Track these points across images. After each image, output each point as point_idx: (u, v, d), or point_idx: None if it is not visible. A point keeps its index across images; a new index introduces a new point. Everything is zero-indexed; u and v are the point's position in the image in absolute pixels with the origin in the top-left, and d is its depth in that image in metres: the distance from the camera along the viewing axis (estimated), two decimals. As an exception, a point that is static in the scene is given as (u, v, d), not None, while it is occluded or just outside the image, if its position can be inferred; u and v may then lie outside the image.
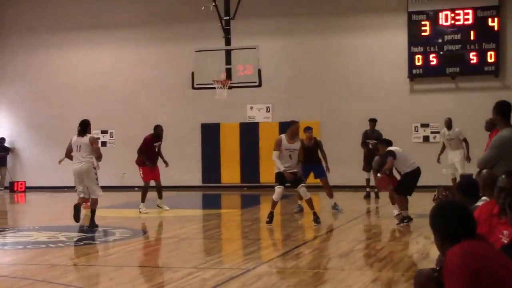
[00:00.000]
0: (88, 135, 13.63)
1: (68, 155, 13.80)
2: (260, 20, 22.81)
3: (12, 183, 23.89)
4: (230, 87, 18.79)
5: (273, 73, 21.82)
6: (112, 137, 23.91)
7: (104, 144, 23.25)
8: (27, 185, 23.82)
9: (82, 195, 13.53)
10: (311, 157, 15.09)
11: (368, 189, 18.52)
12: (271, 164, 22.04)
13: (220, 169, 22.94)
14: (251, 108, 22.95)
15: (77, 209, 13.27)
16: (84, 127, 13.65)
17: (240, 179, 22.52)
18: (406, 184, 13.16)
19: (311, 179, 15.52)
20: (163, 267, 9.62)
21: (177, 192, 21.66)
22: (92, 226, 13.37)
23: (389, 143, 13.52)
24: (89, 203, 14.07)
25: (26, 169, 24.76)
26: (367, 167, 17.86)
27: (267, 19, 22.88)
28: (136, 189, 20.33)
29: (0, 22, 25.11)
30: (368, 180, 18.37)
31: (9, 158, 24.74)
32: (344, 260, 9.69)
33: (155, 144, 16.52)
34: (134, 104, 23.76)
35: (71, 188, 20.31)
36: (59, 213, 17.08)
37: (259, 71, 18.42)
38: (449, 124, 18.25)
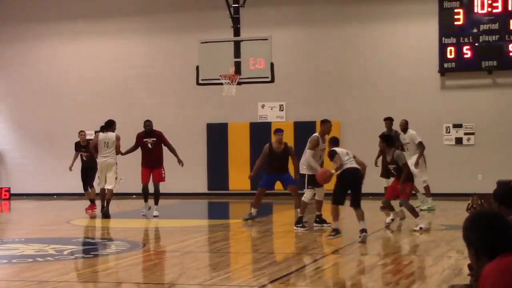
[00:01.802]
0: (114, 133, 17.25)
1: (93, 150, 17.44)
2: (272, 8, 22.81)
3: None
4: (239, 83, 18.78)
5: (287, 68, 21.81)
6: (108, 138, 23.93)
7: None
8: (12, 191, 23.86)
9: (103, 186, 17.16)
10: (280, 164, 15.23)
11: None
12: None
13: (228, 175, 22.94)
14: (263, 106, 22.95)
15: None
16: (109, 125, 17.37)
17: (250, 185, 22.49)
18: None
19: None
20: (165, 284, 9.61)
21: (180, 200, 21.68)
22: (106, 215, 16.75)
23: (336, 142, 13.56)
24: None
25: (10, 174, 24.82)
26: (384, 173, 17.50)
27: (280, 7, 22.88)
28: (134, 196, 20.38)
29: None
30: (386, 189, 18.13)
31: (-8, 161, 24.84)
32: (367, 276, 9.66)
33: (145, 140, 17.15)
34: (133, 101, 23.80)
35: (61, 196, 20.47)
36: (48, 224, 17.11)
37: (272, 65, 18.39)
38: (404, 127, 17.91)
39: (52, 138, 24.15)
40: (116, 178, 17.27)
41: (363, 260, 10.99)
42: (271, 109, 22.90)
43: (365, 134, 21.94)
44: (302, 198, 14.39)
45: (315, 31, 22.68)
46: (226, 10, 18.98)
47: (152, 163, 17.18)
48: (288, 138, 22.24)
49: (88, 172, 18.93)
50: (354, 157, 13.17)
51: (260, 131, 22.62)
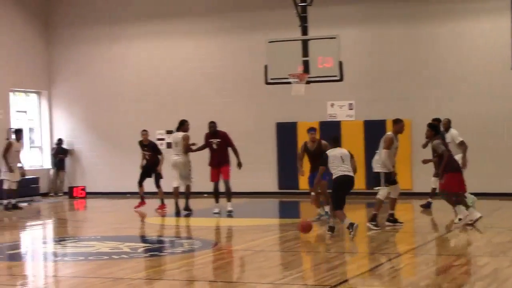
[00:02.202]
0: (183, 133, 17.77)
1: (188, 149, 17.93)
2: (341, 6, 22.66)
3: (71, 188, 24.40)
4: (308, 82, 18.73)
5: (355, 66, 21.64)
6: (178, 137, 24.12)
7: (170, 145, 23.51)
8: (87, 190, 24.23)
9: (176, 185, 17.75)
10: (315, 162, 15.24)
11: (429, 199, 17.99)
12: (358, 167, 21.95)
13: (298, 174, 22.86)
14: (332, 105, 22.83)
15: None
16: (181, 125, 17.94)
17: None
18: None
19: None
20: (237, 282, 9.63)
21: (250, 199, 21.72)
22: (187, 209, 17.71)
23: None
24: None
25: (85, 173, 25.21)
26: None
27: (348, 5, 22.70)
28: (206, 195, 20.49)
29: (52, 16, 25.67)
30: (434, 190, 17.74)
31: (67, 161, 25.24)
32: (441, 277, 9.52)
33: (210, 141, 17.60)
34: (201, 101, 23.91)
35: (134, 194, 20.72)
36: (122, 222, 17.36)
37: (340, 63, 18.28)
38: (447, 126, 17.44)
39: (123, 138, 24.40)
40: (191, 176, 17.87)
41: (437, 261, 10.83)
42: (341, 107, 22.76)
43: (436, 132, 21.61)
44: (377, 196, 14.40)
45: (384, 29, 22.44)
46: (293, 9, 18.94)
47: (218, 162, 17.54)
48: (358, 136, 22.14)
49: (150, 171, 19.13)
50: (352, 157, 13.41)
51: (329, 130, 22.42)
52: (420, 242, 13.05)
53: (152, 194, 19.66)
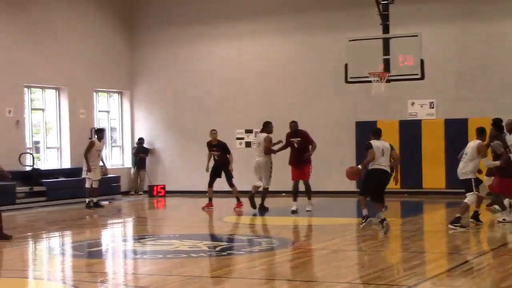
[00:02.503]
0: (265, 134, 17.91)
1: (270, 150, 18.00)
2: (423, 4, 22.36)
3: (151, 187, 24.73)
4: (388, 81, 18.58)
5: (437, 64, 21.35)
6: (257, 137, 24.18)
7: (248, 144, 23.64)
8: (166, 189, 24.52)
9: (258, 184, 17.89)
10: None
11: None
12: (436, 167, 21.65)
13: (377, 173, 22.64)
14: (413, 104, 22.54)
15: (251, 197, 17.83)
16: (264, 126, 18.14)
17: (400, 183, 22.14)
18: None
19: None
20: (315, 281, 9.59)
21: (329, 199, 21.64)
22: (262, 208, 17.90)
23: None
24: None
25: (165, 172, 25.51)
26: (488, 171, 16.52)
27: (431, 2, 22.39)
28: (284, 194, 20.51)
29: (134, 19, 26.09)
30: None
31: (148, 160, 25.59)
32: (523, 278, 9.30)
33: (292, 140, 17.66)
34: (279, 100, 23.92)
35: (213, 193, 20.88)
36: (201, 221, 17.51)
37: (422, 61, 18.08)
38: (510, 127, 16.46)
39: (203, 137, 24.43)
40: (270, 176, 17.89)
41: (519, 262, 10.58)
42: (421, 106, 22.45)
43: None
44: (466, 201, 14.13)
45: (466, 26, 22.03)
46: (375, 7, 18.80)
47: (299, 161, 17.57)
48: (439, 135, 21.81)
49: (219, 171, 19.01)
50: (392, 149, 13.69)
51: (409, 129, 22.22)
52: (500, 242, 12.76)
53: (226, 193, 19.76)
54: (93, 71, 24.54)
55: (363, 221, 13.79)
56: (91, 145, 20.02)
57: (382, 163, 13.42)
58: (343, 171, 22.68)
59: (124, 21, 25.96)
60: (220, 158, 18.93)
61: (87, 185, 20.09)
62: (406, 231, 14.70)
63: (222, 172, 18.91)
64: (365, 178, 13.76)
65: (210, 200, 19.21)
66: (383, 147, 13.45)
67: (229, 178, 18.92)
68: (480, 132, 14.53)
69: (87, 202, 20.11)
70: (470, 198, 14.15)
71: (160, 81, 25.71)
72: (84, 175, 20.20)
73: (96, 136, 20.60)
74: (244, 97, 24.47)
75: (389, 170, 13.60)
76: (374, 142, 13.51)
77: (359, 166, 13.82)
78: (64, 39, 23.61)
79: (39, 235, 15.45)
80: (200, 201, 20.35)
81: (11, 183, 19.81)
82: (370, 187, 13.58)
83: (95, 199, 20.15)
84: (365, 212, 13.77)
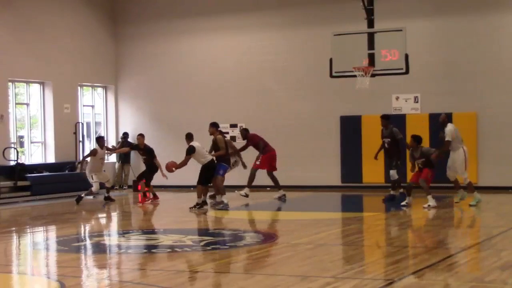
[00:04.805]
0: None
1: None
2: (407, -1, 22.41)
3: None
4: (373, 75, 18.60)
5: (421, 59, 21.39)
6: (242, 131, 24.20)
7: (233, 139, 23.61)
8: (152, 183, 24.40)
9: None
10: None
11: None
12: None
13: (362, 167, 22.71)
14: (397, 98, 22.59)
15: None
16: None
17: (384, 178, 22.20)
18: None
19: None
20: (299, 276, 9.59)
21: (313, 193, 21.65)
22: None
23: None
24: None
25: (150, 166, 25.40)
26: None
27: (415, -3, 22.44)
28: (268, 188, 20.51)
29: (119, 12, 25.99)
30: None
31: (132, 154, 25.52)
32: (507, 272, 9.33)
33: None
34: (265, 94, 23.93)
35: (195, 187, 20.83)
36: (184, 215, 17.48)
37: (406, 56, 18.11)
38: (443, 121, 17.17)
39: (185, 132, 24.51)
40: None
41: (502, 256, 10.62)
42: (406, 101, 22.50)
43: (504, 126, 21.23)
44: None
45: (450, 21, 22.09)
46: (360, 2, 18.80)
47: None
48: (423, 130, 21.83)
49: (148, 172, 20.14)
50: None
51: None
52: (485, 237, 12.81)
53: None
54: (77, 65, 24.45)
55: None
56: (94, 153, 19.89)
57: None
58: (327, 165, 23.02)
59: (108, 15, 25.87)
60: (146, 161, 20.22)
61: (94, 189, 19.95)
62: (390, 226, 14.76)
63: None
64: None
65: (154, 195, 20.41)
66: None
67: (147, 177, 20.24)
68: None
69: (80, 195, 19.95)
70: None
71: (145, 75, 25.64)
72: (90, 180, 20.04)
73: (97, 145, 20.45)
74: (229, 92, 24.45)
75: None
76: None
77: None
78: (48, 33, 23.52)
79: (23, 230, 15.40)
80: (186, 195, 20.32)
81: (-5, 177, 19.72)
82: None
83: (106, 194, 20.34)
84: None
